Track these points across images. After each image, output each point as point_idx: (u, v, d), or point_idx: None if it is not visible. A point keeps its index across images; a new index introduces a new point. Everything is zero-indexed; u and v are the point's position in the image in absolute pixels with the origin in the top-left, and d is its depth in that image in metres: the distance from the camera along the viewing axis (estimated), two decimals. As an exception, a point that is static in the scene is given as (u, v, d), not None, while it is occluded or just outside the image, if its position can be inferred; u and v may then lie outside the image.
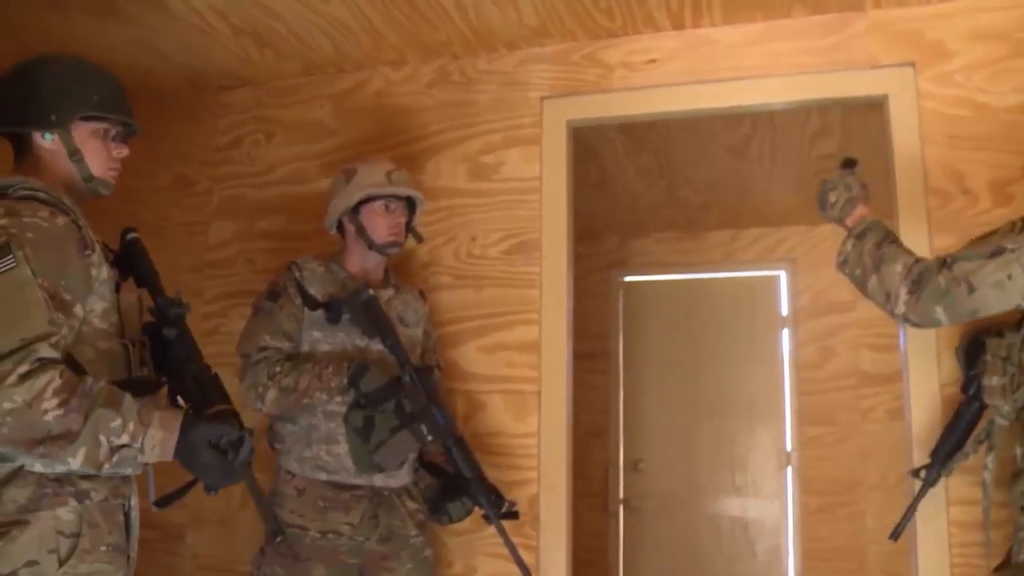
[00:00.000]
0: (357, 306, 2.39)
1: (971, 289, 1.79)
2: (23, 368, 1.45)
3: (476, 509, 2.45)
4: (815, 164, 3.98)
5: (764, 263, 5.01)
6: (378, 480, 2.43)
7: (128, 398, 1.58)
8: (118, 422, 1.54)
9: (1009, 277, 1.76)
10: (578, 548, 2.86)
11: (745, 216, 4.85)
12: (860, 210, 2.14)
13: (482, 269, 2.86)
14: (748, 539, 4.85)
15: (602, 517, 5.02)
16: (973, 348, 2.20)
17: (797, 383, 4.84)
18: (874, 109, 2.80)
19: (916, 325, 1.91)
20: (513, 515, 2.42)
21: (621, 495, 5.05)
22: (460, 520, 2.45)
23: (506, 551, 2.40)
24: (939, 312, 1.85)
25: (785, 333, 4.97)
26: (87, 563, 1.58)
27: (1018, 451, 1.96)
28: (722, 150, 3.81)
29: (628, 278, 5.25)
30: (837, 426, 4.71)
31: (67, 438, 1.49)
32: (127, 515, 1.72)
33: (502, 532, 2.38)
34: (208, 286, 3.17)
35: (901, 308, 1.90)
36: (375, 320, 2.38)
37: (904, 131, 2.57)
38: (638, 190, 4.40)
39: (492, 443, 2.76)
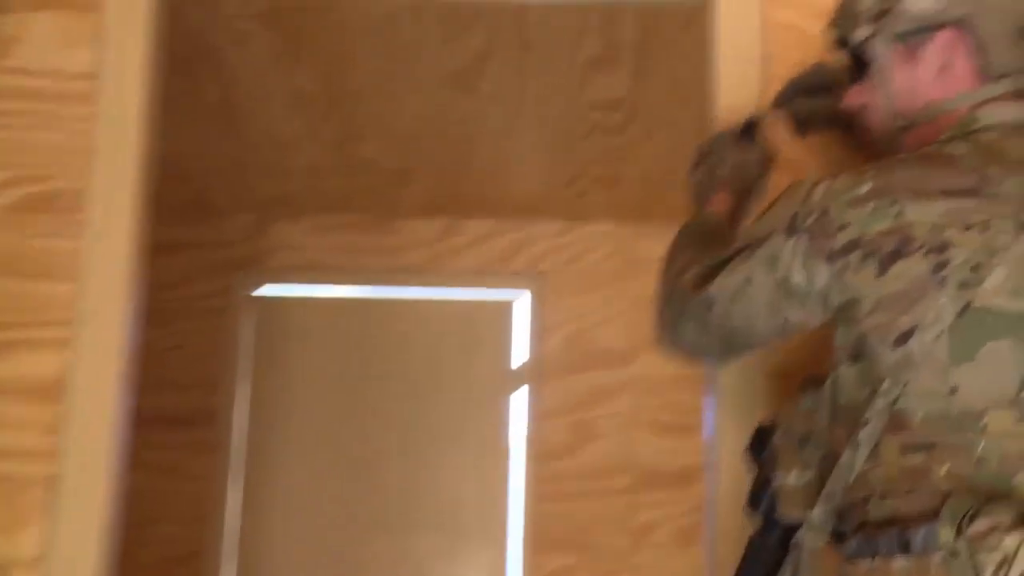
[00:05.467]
0: None
1: (710, 303, 2.05)
2: None
3: None
4: (587, 117, 4.05)
5: (493, 277, 5.09)
6: None
7: None
8: None
9: (749, 281, 1.99)
10: None
11: (467, 197, 4.87)
12: (718, 198, 2.36)
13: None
14: None
15: None
16: (759, 440, 2.29)
17: (534, 480, 4.89)
18: (689, 27, 3.04)
19: (673, 352, 2.22)
20: None
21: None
22: None
23: None
24: (689, 330, 2.12)
25: (519, 395, 5.02)
26: None
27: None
28: (435, 77, 3.82)
29: (264, 290, 5.17)
30: (595, 553, 4.80)
31: None
32: None
33: None
34: None
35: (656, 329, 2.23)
36: None
37: (736, 59, 2.65)
38: (290, 135, 4.30)
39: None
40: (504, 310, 5.09)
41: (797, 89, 2.46)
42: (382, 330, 5.11)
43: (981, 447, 1.82)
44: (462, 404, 5.01)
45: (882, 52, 2.13)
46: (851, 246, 1.90)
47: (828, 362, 2.15)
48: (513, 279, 5.06)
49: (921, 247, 1.87)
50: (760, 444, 2.24)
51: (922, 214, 1.89)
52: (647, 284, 4.69)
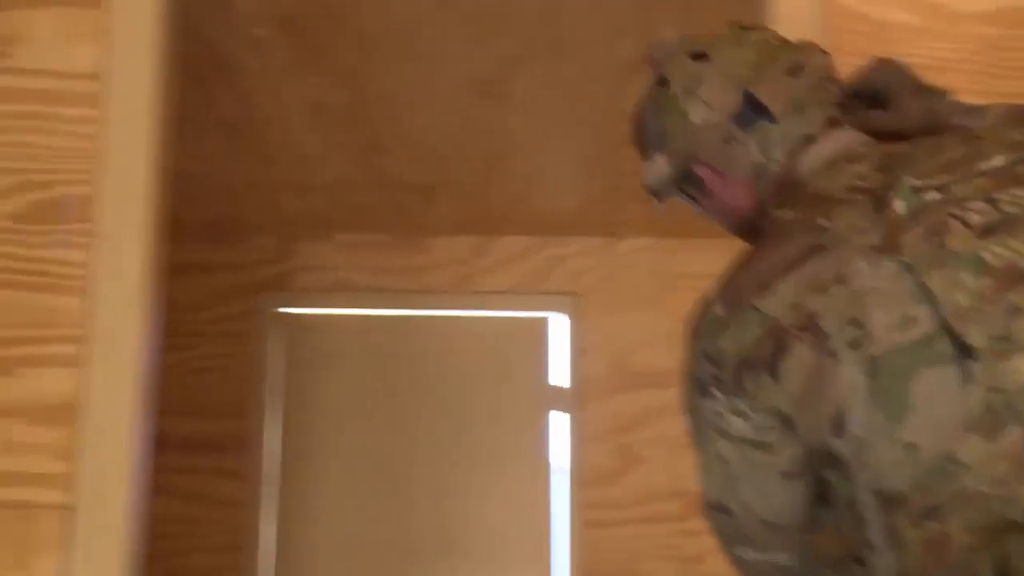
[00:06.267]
0: None
1: (723, 508, 1.96)
2: None
3: None
4: (625, 125, 4.10)
5: (527, 298, 5.15)
6: None
7: None
8: None
9: (723, 461, 1.88)
10: None
11: (498, 213, 4.93)
12: None
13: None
14: None
15: None
16: None
17: (578, 506, 4.94)
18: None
19: None
20: None
21: None
22: None
23: None
24: (744, 556, 2.01)
25: (559, 419, 5.05)
26: None
27: None
28: (461, 84, 3.85)
29: (291, 309, 5.21)
30: (644, 582, 4.72)
31: None
32: None
33: None
34: None
35: None
36: None
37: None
38: (312, 150, 4.34)
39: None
40: (540, 327, 5.15)
41: None
42: (415, 348, 5.15)
43: (976, 484, 1.72)
44: (499, 425, 5.06)
45: (687, 201, 2.17)
46: (739, 369, 1.81)
47: None
48: (548, 300, 5.11)
49: (793, 334, 1.78)
50: None
51: (777, 303, 1.81)
52: (690, 301, 4.79)
